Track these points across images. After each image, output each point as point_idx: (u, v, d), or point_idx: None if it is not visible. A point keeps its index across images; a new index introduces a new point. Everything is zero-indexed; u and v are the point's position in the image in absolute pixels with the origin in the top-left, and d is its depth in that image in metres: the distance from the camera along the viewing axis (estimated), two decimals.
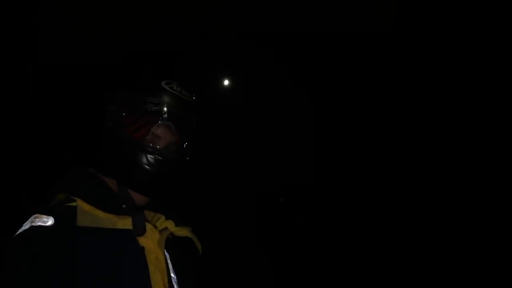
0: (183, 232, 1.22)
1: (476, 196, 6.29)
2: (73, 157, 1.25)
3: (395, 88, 6.56)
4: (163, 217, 1.22)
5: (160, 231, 1.17)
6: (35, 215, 1.05)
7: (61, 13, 5.10)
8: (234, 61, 6.76)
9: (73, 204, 1.10)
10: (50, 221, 1.03)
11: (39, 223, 1.03)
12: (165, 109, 1.14)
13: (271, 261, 7.04)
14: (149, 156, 1.13)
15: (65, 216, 1.05)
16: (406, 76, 6.43)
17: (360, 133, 7.06)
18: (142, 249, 1.10)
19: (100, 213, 1.09)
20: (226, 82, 6.96)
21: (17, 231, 1.05)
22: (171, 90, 1.15)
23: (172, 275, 1.16)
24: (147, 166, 1.13)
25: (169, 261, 1.17)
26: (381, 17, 5.64)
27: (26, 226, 1.04)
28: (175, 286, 1.15)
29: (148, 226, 1.15)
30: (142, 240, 1.12)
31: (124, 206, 1.14)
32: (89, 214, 1.08)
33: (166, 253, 1.17)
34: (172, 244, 1.19)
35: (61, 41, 5.22)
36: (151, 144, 1.14)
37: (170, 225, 1.20)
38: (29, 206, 1.13)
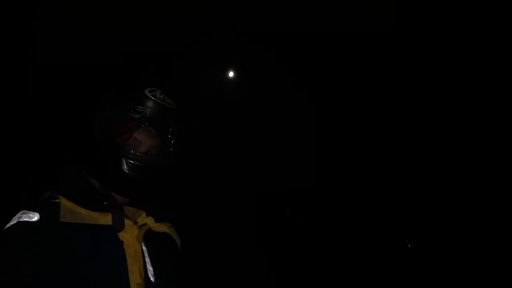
0: (162, 228, 1.31)
1: (475, 195, 6.29)
2: (67, 157, 1.33)
3: (395, 88, 6.55)
4: (144, 214, 1.29)
5: (140, 227, 1.25)
6: (22, 211, 1.14)
7: (60, 13, 5.10)
8: (234, 60, 6.76)
9: (58, 201, 1.18)
10: (35, 217, 1.11)
11: (26, 219, 1.11)
12: (147, 115, 1.22)
13: (271, 261, 7.04)
14: (129, 161, 1.21)
15: (49, 213, 1.14)
16: (406, 76, 6.42)
17: (360, 133, 7.05)
18: (121, 243, 1.18)
19: (82, 210, 1.18)
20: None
21: (5, 226, 1.13)
22: (153, 98, 1.24)
23: (149, 267, 1.24)
24: (126, 170, 1.21)
25: (146, 254, 1.25)
26: (381, 17, 5.63)
27: (13, 221, 1.12)
28: (151, 277, 1.23)
29: (127, 222, 1.23)
30: (122, 235, 1.20)
31: (105, 203, 1.22)
32: (72, 211, 1.17)
33: (144, 247, 1.25)
34: (151, 239, 1.27)
35: (59, 41, 5.22)
36: (131, 150, 1.23)
37: (150, 221, 1.28)
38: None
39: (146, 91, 1.24)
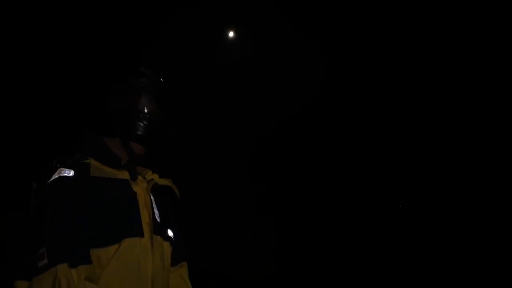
0: (165, 182, 1.71)
1: (475, 194, 6.28)
2: (88, 126, 1.73)
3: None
4: (150, 171, 1.71)
5: (148, 181, 1.66)
6: (61, 169, 1.51)
7: None
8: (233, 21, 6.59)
9: (87, 161, 1.57)
10: (71, 173, 1.50)
11: (64, 174, 1.49)
12: (144, 89, 1.68)
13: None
14: (141, 117, 1.65)
15: (81, 169, 1.53)
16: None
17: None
18: (134, 193, 1.59)
19: (106, 168, 1.58)
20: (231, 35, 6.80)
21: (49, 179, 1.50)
22: (147, 75, 1.70)
23: (156, 211, 1.65)
24: (140, 123, 1.65)
25: (153, 202, 1.65)
26: None
27: (55, 176, 1.50)
28: (158, 219, 1.64)
29: (139, 178, 1.64)
30: (134, 187, 1.60)
31: (122, 163, 1.63)
32: (98, 168, 1.56)
33: (152, 197, 1.65)
34: (157, 191, 1.69)
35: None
36: (140, 110, 1.67)
37: (155, 177, 1.70)
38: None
39: (142, 69, 1.70)
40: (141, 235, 1.51)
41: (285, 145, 7.60)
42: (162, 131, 1.68)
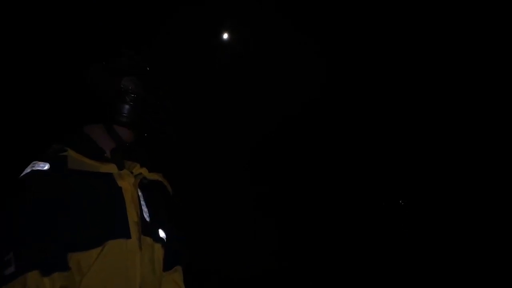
0: (155, 176, 1.52)
1: (474, 194, 6.29)
2: (70, 115, 1.57)
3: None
4: (138, 165, 1.50)
5: (135, 176, 1.45)
6: (34, 162, 1.33)
7: None
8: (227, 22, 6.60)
9: (65, 154, 1.37)
10: (46, 166, 1.31)
11: (38, 168, 1.31)
12: (134, 74, 1.51)
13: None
14: (125, 99, 1.47)
15: (58, 162, 1.33)
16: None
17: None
18: (120, 188, 1.39)
19: (86, 160, 1.37)
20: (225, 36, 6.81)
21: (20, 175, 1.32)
22: (128, 53, 1.54)
23: (145, 209, 1.46)
24: (125, 106, 1.47)
25: (142, 199, 1.46)
26: None
27: (27, 170, 1.32)
28: (147, 218, 1.44)
29: (125, 171, 1.43)
30: (120, 182, 1.40)
31: (106, 154, 1.45)
32: (77, 160, 1.36)
33: (140, 192, 1.46)
34: (145, 186, 1.49)
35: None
36: (124, 92, 1.48)
37: (144, 171, 1.49)
38: None
39: (123, 49, 1.53)
40: (128, 236, 1.32)
41: (285, 145, 7.60)
42: (152, 119, 1.50)
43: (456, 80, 6.36)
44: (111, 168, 1.40)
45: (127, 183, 1.41)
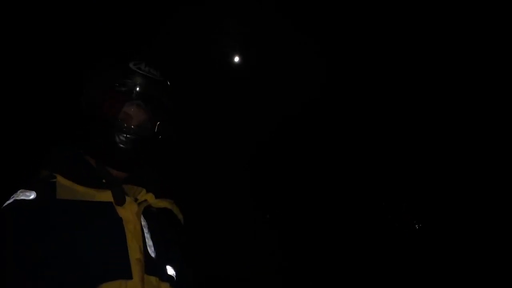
0: (163, 203, 1.30)
1: (474, 194, 6.28)
2: (60, 135, 1.32)
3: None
4: (144, 191, 1.29)
5: (139, 204, 1.25)
6: (20, 190, 1.16)
7: None
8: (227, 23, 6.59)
9: (53, 180, 1.19)
10: (32, 195, 1.14)
11: (22, 197, 1.13)
12: (134, 89, 1.22)
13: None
14: (121, 134, 1.22)
15: (45, 190, 1.15)
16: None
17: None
18: (120, 219, 1.19)
19: (79, 187, 1.19)
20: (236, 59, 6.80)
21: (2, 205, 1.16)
22: (139, 71, 1.24)
23: (149, 243, 1.25)
24: (120, 144, 1.22)
25: (147, 230, 1.26)
26: None
27: (10, 200, 1.15)
28: (152, 253, 1.23)
29: (127, 199, 1.23)
30: (121, 211, 1.21)
31: (103, 181, 1.23)
32: (68, 188, 1.17)
33: (144, 222, 1.26)
34: (151, 215, 1.29)
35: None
36: (123, 123, 1.23)
37: (150, 197, 1.28)
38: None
39: (131, 64, 1.24)
40: (128, 276, 1.12)
41: (285, 145, 7.60)
42: (152, 146, 1.28)
43: (457, 80, 6.36)
44: (109, 196, 1.21)
45: (129, 213, 1.22)
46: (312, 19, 6.28)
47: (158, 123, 1.30)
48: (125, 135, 1.22)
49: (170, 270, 1.28)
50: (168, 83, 1.31)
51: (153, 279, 1.19)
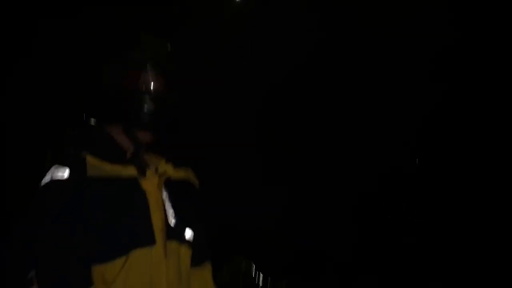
0: (181, 174, 1.47)
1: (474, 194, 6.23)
2: (85, 113, 1.52)
3: None
4: (163, 161, 1.43)
5: (160, 176, 1.41)
6: (55, 166, 1.31)
7: None
8: None
9: (82, 158, 1.32)
10: (66, 174, 1.29)
11: (58, 176, 1.29)
12: (148, 58, 1.39)
13: None
14: (144, 99, 1.38)
15: (77, 169, 1.29)
16: None
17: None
18: (143, 192, 1.35)
19: (106, 165, 1.32)
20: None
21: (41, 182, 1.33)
22: (149, 42, 1.43)
23: (170, 210, 1.41)
24: (145, 106, 1.38)
25: (167, 199, 1.42)
26: None
27: (47, 179, 1.31)
28: (173, 220, 1.40)
29: (149, 172, 1.38)
30: (144, 184, 1.36)
31: (128, 155, 1.38)
32: (97, 166, 1.31)
33: (165, 192, 1.42)
34: (170, 184, 1.44)
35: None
36: (143, 90, 1.39)
37: (169, 169, 1.43)
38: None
39: (142, 37, 1.42)
40: (152, 242, 1.31)
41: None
42: (172, 113, 1.42)
43: (456, 79, 6.24)
44: (133, 170, 1.35)
45: (151, 185, 1.37)
46: None
47: (173, 89, 1.43)
48: (147, 99, 1.37)
49: (188, 233, 1.43)
50: (177, 48, 1.46)
51: (173, 243, 1.36)
